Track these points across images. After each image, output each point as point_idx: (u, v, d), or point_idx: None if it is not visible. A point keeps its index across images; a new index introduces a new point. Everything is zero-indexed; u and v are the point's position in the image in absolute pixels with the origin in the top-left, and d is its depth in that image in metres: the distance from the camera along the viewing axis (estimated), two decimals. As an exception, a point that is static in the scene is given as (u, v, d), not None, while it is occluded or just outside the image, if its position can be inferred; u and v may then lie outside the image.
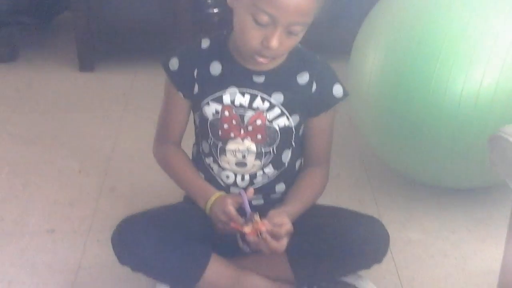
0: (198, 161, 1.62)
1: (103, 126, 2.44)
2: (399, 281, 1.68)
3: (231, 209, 1.46)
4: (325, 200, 1.64)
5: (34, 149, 2.29)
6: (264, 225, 1.42)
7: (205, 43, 1.54)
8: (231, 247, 1.57)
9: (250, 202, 1.52)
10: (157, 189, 2.01)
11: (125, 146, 2.30)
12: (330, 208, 1.63)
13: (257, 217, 1.44)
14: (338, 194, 1.95)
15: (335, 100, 1.55)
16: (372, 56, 1.86)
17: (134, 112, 2.54)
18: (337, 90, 1.55)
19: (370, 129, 1.97)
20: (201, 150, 1.60)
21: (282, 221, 1.44)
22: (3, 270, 1.74)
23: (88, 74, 2.85)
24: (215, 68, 1.52)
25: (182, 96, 1.56)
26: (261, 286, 1.55)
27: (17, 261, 1.77)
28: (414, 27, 1.77)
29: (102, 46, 2.88)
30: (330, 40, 2.65)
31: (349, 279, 1.55)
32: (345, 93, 1.55)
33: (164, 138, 1.64)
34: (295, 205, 1.53)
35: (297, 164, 1.62)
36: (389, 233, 1.53)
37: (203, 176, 1.60)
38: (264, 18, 1.36)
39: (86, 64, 2.86)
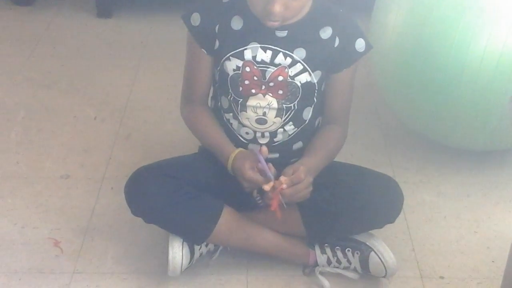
0: (216, 116, 1.60)
1: (119, 74, 2.42)
2: (410, 241, 1.68)
3: (251, 175, 1.44)
4: (340, 157, 1.63)
5: (50, 94, 2.29)
6: (283, 183, 1.40)
7: None
8: (244, 199, 1.56)
9: (256, 142, 1.54)
10: (172, 138, 2.01)
11: (141, 95, 2.29)
12: (346, 166, 1.62)
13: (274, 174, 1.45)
14: (352, 152, 1.94)
15: (357, 55, 1.53)
16: (394, 12, 1.83)
17: (151, 61, 2.52)
18: (360, 44, 1.52)
19: (389, 86, 1.96)
20: (219, 105, 1.58)
21: (299, 176, 1.42)
22: (17, 214, 1.75)
23: (106, 20, 2.83)
24: (237, 22, 1.49)
25: (205, 52, 1.53)
26: (273, 241, 1.56)
27: (31, 205, 1.78)
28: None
29: (120, -7, 2.85)
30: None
31: (361, 238, 1.56)
32: (368, 46, 1.53)
33: (190, 97, 1.60)
34: (313, 159, 1.51)
35: (317, 121, 1.61)
36: (403, 196, 1.53)
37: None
38: None
39: (104, 10, 2.83)
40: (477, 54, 1.66)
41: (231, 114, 1.55)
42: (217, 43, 1.51)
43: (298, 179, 1.42)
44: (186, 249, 1.53)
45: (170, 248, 1.52)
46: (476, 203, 1.82)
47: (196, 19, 1.51)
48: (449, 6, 1.69)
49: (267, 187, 1.43)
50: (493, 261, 1.63)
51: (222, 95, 1.56)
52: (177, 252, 1.52)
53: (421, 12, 1.75)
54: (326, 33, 1.50)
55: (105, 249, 1.65)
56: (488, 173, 1.93)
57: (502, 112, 1.70)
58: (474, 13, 1.66)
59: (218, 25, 1.50)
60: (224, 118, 1.58)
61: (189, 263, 1.54)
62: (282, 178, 1.42)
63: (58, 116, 2.17)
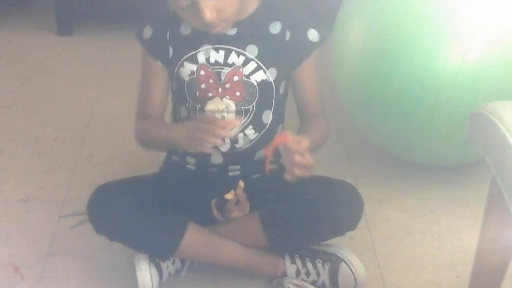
0: None
1: (81, 93, 2.40)
2: (375, 257, 1.68)
3: (205, 119, 1.39)
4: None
5: (10, 115, 2.26)
6: (287, 138, 1.31)
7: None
8: (206, 216, 1.56)
9: (227, 175, 1.53)
10: (134, 158, 1.99)
11: (103, 114, 2.27)
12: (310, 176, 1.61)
13: (241, 183, 1.46)
14: (316, 168, 1.93)
15: (312, 45, 1.51)
16: (354, 29, 1.84)
17: (113, 79, 2.50)
18: (312, 34, 1.50)
19: (351, 102, 1.96)
20: (178, 116, 1.57)
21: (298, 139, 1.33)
22: (-24, 239, 1.72)
23: (67, 38, 2.80)
24: (186, 28, 1.50)
25: (160, 63, 1.53)
26: (240, 252, 1.55)
27: (-10, 230, 1.75)
28: (398, 0, 1.75)
29: (81, 10, 2.82)
30: (314, 10, 2.62)
31: (331, 249, 1.56)
32: (322, 37, 1.51)
33: (144, 113, 1.57)
34: (307, 136, 1.37)
35: (279, 128, 1.60)
36: (363, 201, 1.53)
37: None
38: (183, 2, 1.36)
39: (65, 28, 2.81)
40: (437, 71, 1.67)
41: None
42: (170, 50, 1.51)
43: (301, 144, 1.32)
44: (154, 269, 1.52)
45: (137, 270, 1.51)
46: (440, 218, 1.83)
47: (147, 32, 1.52)
48: (407, 23, 1.70)
49: (229, 196, 1.43)
50: (457, 277, 1.63)
51: (180, 105, 1.56)
52: (145, 273, 1.50)
53: (380, 29, 1.76)
54: (275, 27, 1.50)
55: (67, 273, 1.62)
56: (451, 188, 1.94)
57: (462, 128, 1.71)
58: (433, 30, 1.67)
59: (168, 32, 1.50)
60: None
61: (159, 283, 1.53)
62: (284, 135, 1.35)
63: (18, 137, 2.14)
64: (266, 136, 1.55)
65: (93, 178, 1.93)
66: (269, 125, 1.56)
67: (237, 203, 1.53)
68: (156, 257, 1.53)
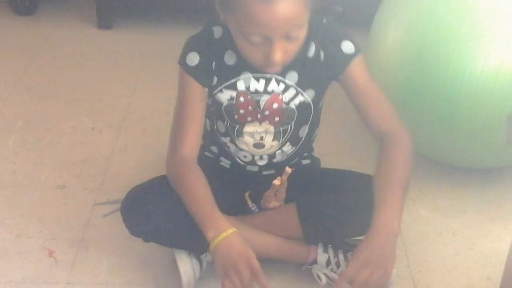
0: (212, 136, 1.58)
1: (118, 85, 2.43)
2: (406, 257, 1.68)
3: (256, 263, 1.32)
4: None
5: (49, 104, 2.29)
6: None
7: (218, 32, 1.46)
8: (240, 206, 1.57)
9: (262, 174, 1.55)
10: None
11: (139, 106, 2.29)
12: (343, 171, 1.62)
13: (288, 169, 1.48)
14: (351, 167, 1.93)
15: (347, 57, 1.46)
16: (392, 32, 1.83)
17: (150, 72, 2.53)
18: (346, 46, 1.46)
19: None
20: (215, 128, 1.56)
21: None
22: (12, 223, 1.75)
23: (106, 31, 2.84)
24: (230, 57, 1.46)
25: (207, 89, 1.48)
26: (273, 243, 1.56)
27: (27, 215, 1.78)
28: (436, 3, 1.75)
29: (121, 4, 2.85)
30: (351, 13, 2.62)
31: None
32: (357, 49, 1.46)
33: (181, 142, 1.48)
34: (390, 211, 1.37)
35: (314, 135, 1.60)
36: None
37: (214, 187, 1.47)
38: (257, 39, 1.31)
39: (105, 21, 2.84)
40: (475, 74, 1.66)
41: (228, 138, 1.55)
42: (215, 79, 1.48)
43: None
44: (195, 259, 1.53)
45: (179, 262, 1.51)
46: (472, 220, 1.82)
47: (193, 58, 1.46)
48: (446, 25, 1.70)
49: (276, 181, 1.46)
50: (488, 279, 1.62)
51: (218, 119, 1.54)
52: (188, 264, 1.51)
53: (419, 30, 1.76)
54: (311, 50, 1.47)
55: (100, 260, 1.65)
56: (484, 190, 1.93)
57: (500, 131, 1.70)
58: (472, 32, 1.66)
59: (214, 62, 1.46)
60: (221, 141, 1.56)
61: (200, 272, 1.54)
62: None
63: (56, 126, 2.17)
64: (302, 147, 1.57)
65: (127, 168, 1.96)
66: (305, 137, 1.56)
67: (275, 193, 1.54)
68: (193, 252, 1.53)
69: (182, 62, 1.47)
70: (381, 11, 1.95)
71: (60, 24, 2.88)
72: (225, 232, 1.36)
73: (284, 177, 1.49)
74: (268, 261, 1.58)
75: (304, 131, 1.55)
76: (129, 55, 2.65)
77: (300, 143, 1.56)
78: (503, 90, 1.67)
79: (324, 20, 1.47)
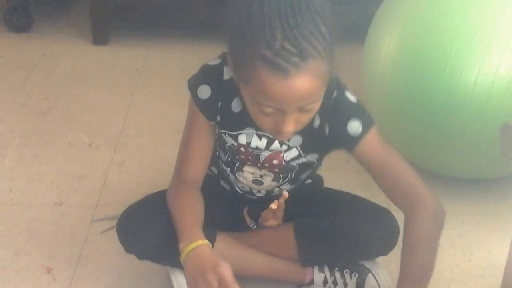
0: (214, 159, 1.54)
1: (114, 101, 2.43)
2: (404, 269, 1.67)
3: (226, 272, 1.26)
4: (334, 185, 1.63)
5: (45, 121, 2.29)
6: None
7: (227, 74, 1.39)
8: (238, 224, 1.57)
9: (252, 194, 1.54)
10: (165, 166, 1.99)
11: (136, 122, 2.30)
12: (344, 195, 1.61)
13: (285, 193, 1.48)
14: (347, 179, 1.94)
15: (353, 140, 1.39)
16: (387, 42, 1.84)
17: (146, 87, 2.53)
18: (353, 127, 1.38)
19: (382, 116, 1.95)
20: (217, 154, 1.53)
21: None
22: (9, 241, 1.75)
23: (102, 47, 2.84)
24: (236, 105, 1.41)
25: (214, 123, 1.45)
26: (268, 263, 1.56)
27: (24, 232, 1.78)
28: (430, 14, 1.76)
29: (116, 20, 2.86)
30: (345, 23, 2.63)
31: (366, 264, 1.56)
32: (366, 126, 1.39)
33: (184, 170, 1.47)
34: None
35: (315, 173, 1.59)
36: (399, 230, 1.50)
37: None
38: (269, 110, 1.25)
39: (100, 37, 2.85)
40: (469, 84, 1.67)
41: (229, 168, 1.53)
42: (218, 117, 1.44)
43: None
44: None
45: (173, 279, 1.51)
46: (470, 231, 1.82)
47: (205, 92, 1.41)
48: (440, 36, 1.71)
49: (273, 205, 1.46)
50: (487, 290, 1.63)
51: (221, 150, 1.52)
52: (182, 281, 1.50)
53: (412, 42, 1.77)
54: (315, 122, 1.40)
55: (98, 276, 1.64)
56: (482, 201, 1.93)
57: (494, 141, 1.70)
58: (466, 42, 1.67)
59: (220, 102, 1.42)
60: (222, 166, 1.55)
61: None
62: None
63: (53, 142, 2.17)
64: (300, 185, 1.56)
65: (125, 184, 1.96)
66: (305, 178, 1.56)
67: (273, 212, 1.54)
68: None
69: (193, 92, 1.42)
70: (375, 20, 1.96)
71: (55, 40, 2.88)
72: (196, 243, 1.31)
73: (281, 200, 1.49)
74: (265, 282, 1.58)
75: (305, 175, 1.54)
76: (125, 71, 2.66)
77: (298, 183, 1.56)
78: (498, 101, 1.68)
79: (334, 93, 1.39)
